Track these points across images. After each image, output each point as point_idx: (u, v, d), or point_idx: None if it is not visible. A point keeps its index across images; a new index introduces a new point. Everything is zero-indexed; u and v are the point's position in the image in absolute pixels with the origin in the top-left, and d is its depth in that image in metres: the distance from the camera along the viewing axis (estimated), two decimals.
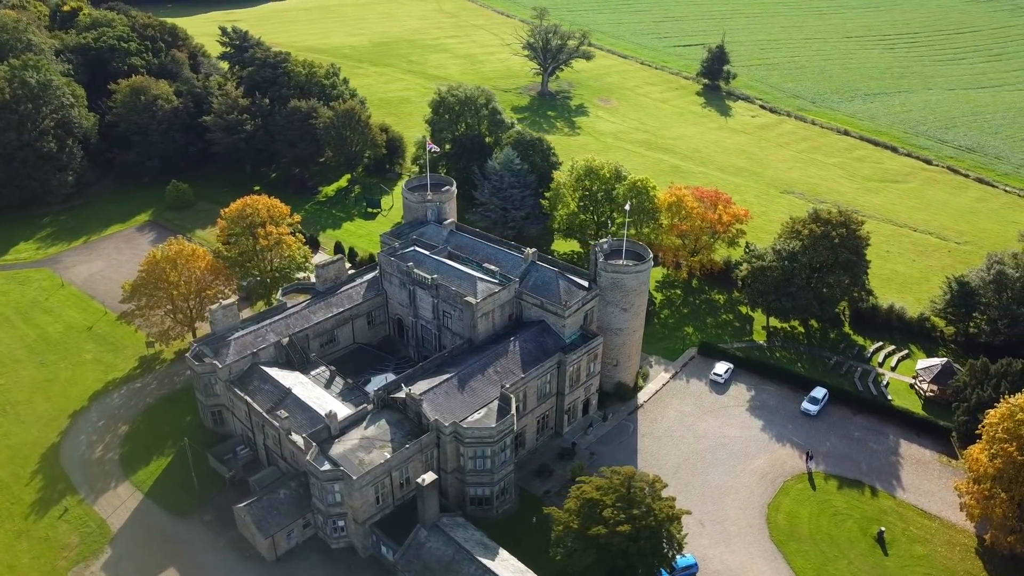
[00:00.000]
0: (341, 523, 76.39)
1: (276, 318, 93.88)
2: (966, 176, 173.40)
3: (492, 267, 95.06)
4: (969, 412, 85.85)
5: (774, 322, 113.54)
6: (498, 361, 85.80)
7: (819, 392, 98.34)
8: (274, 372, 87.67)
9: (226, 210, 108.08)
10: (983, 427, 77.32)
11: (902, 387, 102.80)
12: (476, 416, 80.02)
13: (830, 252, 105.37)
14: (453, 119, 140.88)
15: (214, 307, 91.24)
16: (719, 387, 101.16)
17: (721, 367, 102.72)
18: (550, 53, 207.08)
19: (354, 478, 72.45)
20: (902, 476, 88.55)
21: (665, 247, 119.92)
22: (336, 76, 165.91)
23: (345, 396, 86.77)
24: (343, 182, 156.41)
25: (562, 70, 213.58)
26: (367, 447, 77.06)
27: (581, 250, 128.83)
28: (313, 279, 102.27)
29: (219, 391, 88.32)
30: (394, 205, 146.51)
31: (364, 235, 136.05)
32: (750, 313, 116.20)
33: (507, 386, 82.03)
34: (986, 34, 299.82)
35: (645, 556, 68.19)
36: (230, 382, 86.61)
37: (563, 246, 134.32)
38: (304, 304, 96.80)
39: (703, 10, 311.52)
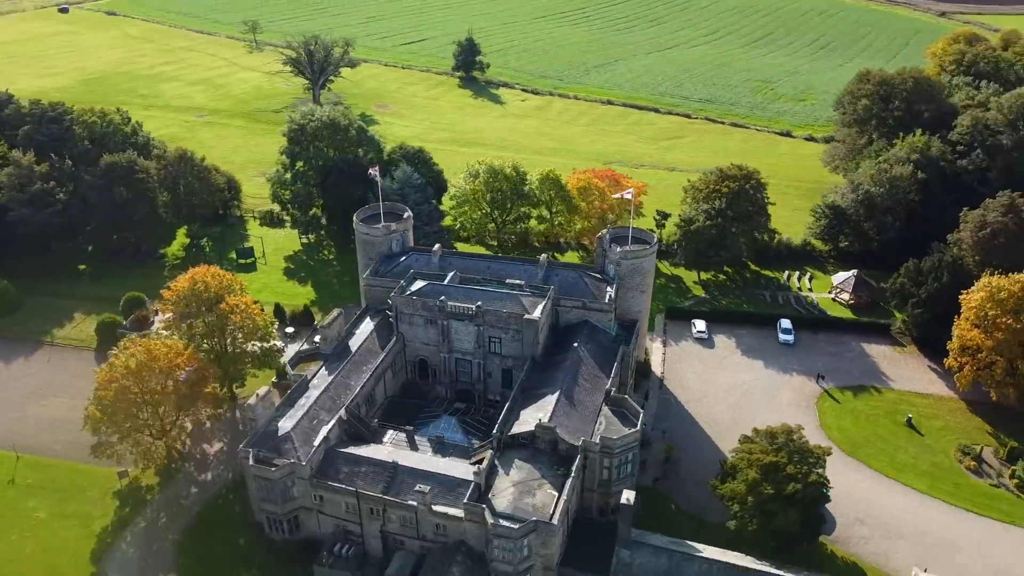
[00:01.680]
0: None
1: (313, 395, 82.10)
2: (722, 123, 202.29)
3: (515, 281, 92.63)
4: (923, 304, 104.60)
5: (703, 275, 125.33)
6: (580, 369, 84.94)
7: (786, 323, 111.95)
8: (359, 451, 77.34)
9: (170, 291, 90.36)
10: (965, 309, 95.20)
11: (824, 301, 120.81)
12: (601, 426, 79.14)
13: (747, 202, 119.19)
14: (320, 146, 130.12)
15: (251, 401, 77.67)
16: (707, 342, 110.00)
17: (700, 324, 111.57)
18: (317, 65, 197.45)
19: (554, 523, 68.25)
20: (884, 371, 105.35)
21: (587, 231, 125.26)
22: (133, 122, 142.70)
23: (442, 451, 79.79)
24: (183, 238, 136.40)
25: (332, 81, 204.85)
26: (527, 490, 72.43)
27: (490, 253, 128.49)
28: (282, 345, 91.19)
29: (298, 492, 75.50)
30: (264, 251, 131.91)
31: (264, 289, 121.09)
32: (675, 273, 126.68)
33: (612, 391, 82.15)
34: (641, 3, 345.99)
35: (815, 501, 74.33)
36: (315, 477, 74.68)
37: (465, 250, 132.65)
38: (331, 372, 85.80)
39: (405, 6, 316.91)
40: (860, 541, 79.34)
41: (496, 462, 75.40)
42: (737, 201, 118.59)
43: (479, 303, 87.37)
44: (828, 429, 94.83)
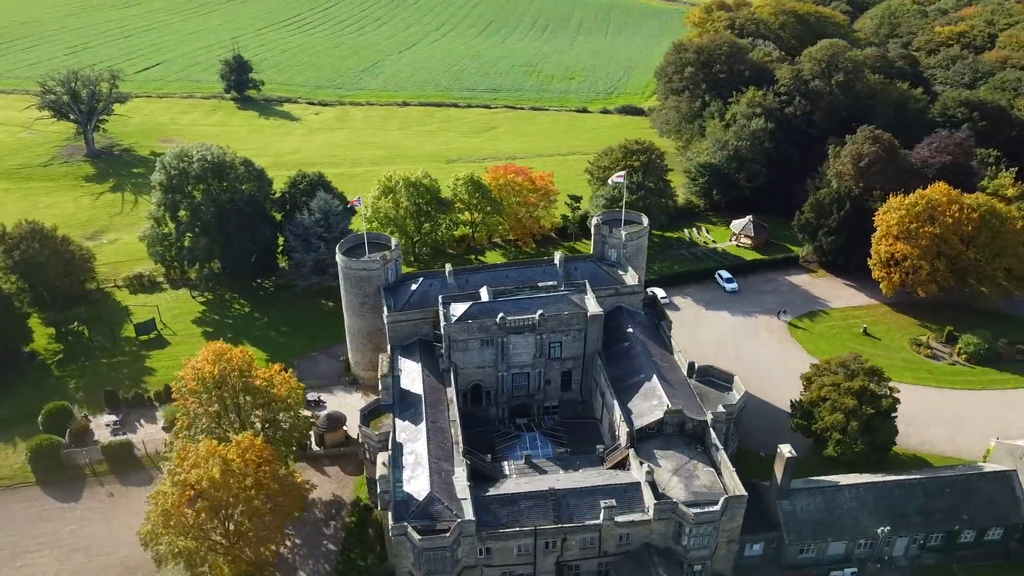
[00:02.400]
0: (700, 565, 72.48)
1: (417, 448, 74.47)
2: (522, 109, 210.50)
3: (548, 283, 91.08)
4: (835, 231, 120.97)
5: None
6: (650, 351, 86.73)
7: (726, 274, 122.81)
8: (503, 490, 72.17)
9: (186, 372, 75.47)
10: (883, 227, 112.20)
11: (730, 248, 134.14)
12: (705, 397, 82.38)
13: (656, 172, 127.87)
14: (207, 190, 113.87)
15: (382, 473, 68.41)
16: (670, 306, 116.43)
17: (660, 291, 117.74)
18: (82, 103, 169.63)
19: (745, 495, 70.31)
20: (818, 296, 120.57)
21: (518, 227, 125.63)
22: None
23: (572, 465, 77.39)
24: (43, 330, 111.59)
25: (105, 120, 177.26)
26: (689, 475, 73.26)
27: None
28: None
29: (463, 552, 68.56)
30: (162, 321, 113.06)
31: (176, 367, 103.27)
32: None
33: (696, 364, 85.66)
34: (355, 5, 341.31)
35: (892, 410, 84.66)
36: (482, 530, 68.53)
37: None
38: (412, 419, 78.26)
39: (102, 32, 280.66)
40: (906, 437, 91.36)
41: (639, 459, 75.15)
42: (648, 173, 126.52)
43: (540, 311, 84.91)
44: (815, 353, 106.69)
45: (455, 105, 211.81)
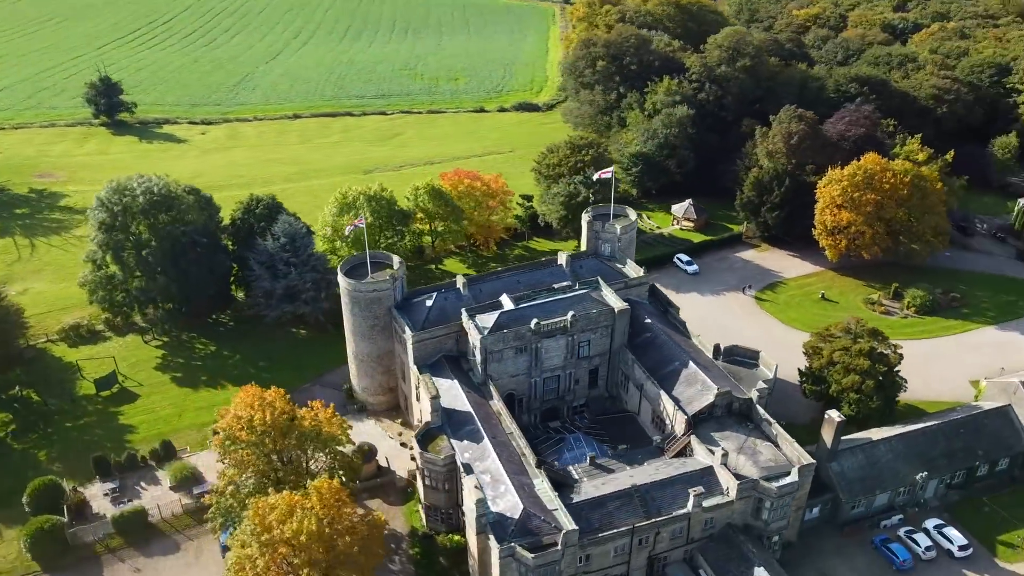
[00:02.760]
0: (779, 537, 75.71)
1: (490, 466, 72.73)
2: (420, 112, 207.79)
3: (563, 283, 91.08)
4: (778, 207, 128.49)
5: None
6: (673, 339, 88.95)
7: (685, 257, 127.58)
8: (588, 496, 71.79)
9: (229, 423, 69.45)
10: (826, 198, 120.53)
11: (675, 231, 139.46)
12: (738, 376, 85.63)
13: (605, 164, 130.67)
14: (154, 224, 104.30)
15: (480, 497, 66.20)
16: None
17: None
18: None
19: (814, 463, 73.97)
20: (771, 268, 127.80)
21: (481, 231, 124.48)
22: None
23: (635, 459, 78.09)
24: None
25: None
26: (751, 451, 76.12)
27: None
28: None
29: (567, 563, 67.59)
30: (115, 367, 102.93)
31: (181, 414, 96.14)
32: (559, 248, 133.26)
33: (721, 344, 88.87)
34: (196, 17, 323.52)
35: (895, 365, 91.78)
36: (582, 537, 67.97)
37: None
38: (472, 438, 76.21)
39: None
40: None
41: (697, 442, 77.26)
42: (599, 166, 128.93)
43: (571, 312, 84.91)
44: (789, 321, 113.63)
45: (350, 114, 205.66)
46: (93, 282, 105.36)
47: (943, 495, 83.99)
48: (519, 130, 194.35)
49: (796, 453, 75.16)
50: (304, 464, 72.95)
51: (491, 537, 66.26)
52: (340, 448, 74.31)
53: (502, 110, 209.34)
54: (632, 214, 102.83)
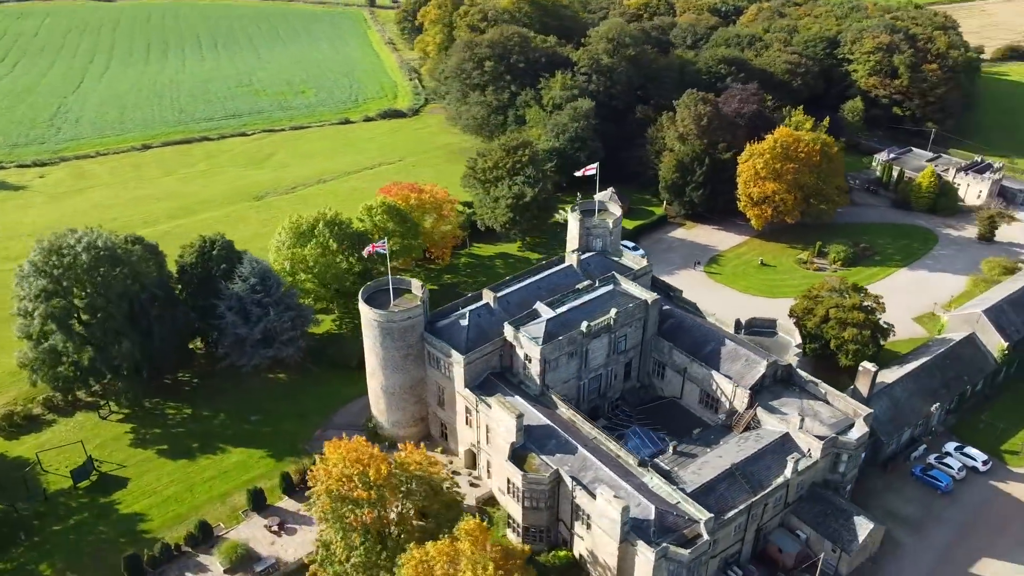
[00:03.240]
0: (850, 485, 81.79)
1: (599, 474, 72.29)
2: (283, 130, 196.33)
3: (583, 284, 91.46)
4: (702, 185, 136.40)
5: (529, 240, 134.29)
6: (697, 321, 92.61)
7: (629, 243, 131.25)
8: (699, 483, 73.39)
9: (332, 485, 63.54)
10: (748, 172, 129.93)
11: None
12: (764, 345, 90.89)
13: (539, 163, 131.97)
14: (103, 283, 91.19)
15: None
16: None
17: None
18: None
19: (872, 411, 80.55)
20: (706, 244, 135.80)
21: (439, 243, 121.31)
22: None
23: (712, 438, 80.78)
24: None
25: None
26: (812, 413, 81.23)
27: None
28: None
29: (700, 551, 68.83)
30: (95, 460, 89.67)
31: (178, 497, 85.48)
32: (504, 251, 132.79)
33: (741, 319, 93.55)
34: None
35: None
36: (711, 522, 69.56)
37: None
38: (566, 449, 75.18)
39: None
40: None
41: (769, 413, 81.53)
42: (535, 165, 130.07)
43: (613, 309, 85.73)
44: (744, 290, 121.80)
45: (206, 139, 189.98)
46: (36, 360, 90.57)
47: (944, 420, 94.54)
48: (397, 138, 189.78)
49: (851, 406, 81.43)
50: (412, 512, 68.18)
51: (639, 542, 66.02)
52: (446, 487, 70.23)
53: (368, 120, 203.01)
54: (617, 208, 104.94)
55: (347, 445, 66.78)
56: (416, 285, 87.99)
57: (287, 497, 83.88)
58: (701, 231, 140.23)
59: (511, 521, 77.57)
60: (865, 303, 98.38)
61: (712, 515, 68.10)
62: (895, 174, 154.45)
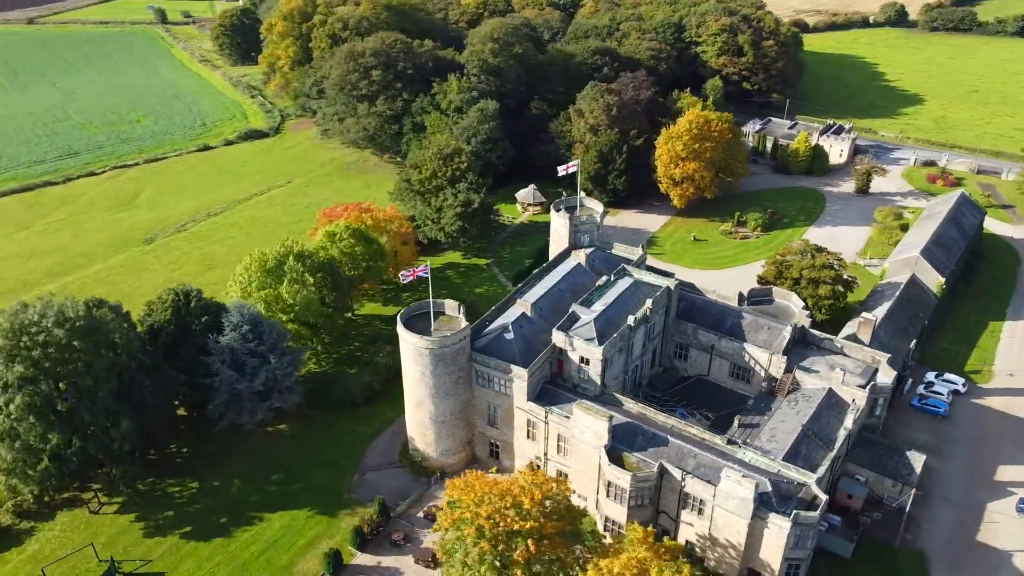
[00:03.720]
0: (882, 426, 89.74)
1: (699, 459, 74.14)
2: (137, 164, 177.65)
3: (602, 280, 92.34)
4: (624, 172, 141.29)
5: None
6: (706, 299, 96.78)
7: None
8: (775, 448, 77.34)
9: (480, 522, 60.61)
10: (666, 155, 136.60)
11: (529, 217, 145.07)
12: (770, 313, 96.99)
13: (474, 169, 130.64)
14: (83, 359, 79.01)
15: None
16: None
17: None
18: None
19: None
20: (637, 227, 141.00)
21: (403, 261, 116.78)
22: None
23: (763, 408, 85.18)
24: None
25: None
26: (841, 365, 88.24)
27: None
28: None
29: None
30: (95, 552, 77.87)
31: None
32: (455, 260, 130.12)
33: (743, 292, 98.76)
34: None
35: None
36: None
37: None
38: (656, 442, 76.21)
39: None
40: None
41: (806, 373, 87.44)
42: (472, 171, 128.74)
43: (649, 300, 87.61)
44: (692, 265, 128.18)
45: (50, 184, 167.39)
46: (15, 461, 76.75)
47: (912, 353, 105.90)
48: (270, 160, 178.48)
49: (868, 354, 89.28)
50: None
51: (770, 515, 68.70)
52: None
53: (229, 143, 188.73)
54: (598, 204, 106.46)
55: (470, 479, 63.43)
56: (451, 305, 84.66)
57: (360, 553, 77.72)
58: (627, 216, 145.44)
59: (609, 524, 77.20)
60: (831, 260, 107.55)
61: (822, 476, 72.22)
62: (768, 143, 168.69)
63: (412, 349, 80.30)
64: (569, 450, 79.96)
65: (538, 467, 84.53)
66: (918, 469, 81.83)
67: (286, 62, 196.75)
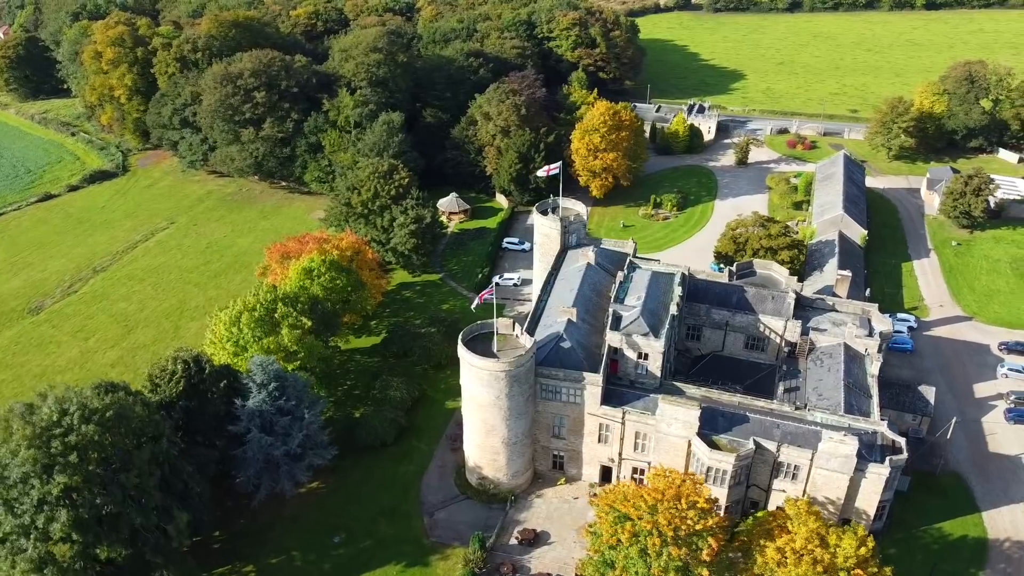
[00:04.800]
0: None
1: (784, 427, 78.38)
2: None
3: (620, 274, 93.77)
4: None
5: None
6: (707, 278, 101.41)
7: (513, 239, 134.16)
8: (828, 406, 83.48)
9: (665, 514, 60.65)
10: (582, 148, 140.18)
11: (457, 226, 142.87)
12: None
13: (410, 186, 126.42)
14: (126, 454, 67.98)
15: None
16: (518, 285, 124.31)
17: (509, 274, 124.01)
18: None
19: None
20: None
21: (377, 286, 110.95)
22: None
23: (797, 374, 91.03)
24: None
25: None
26: (842, 322, 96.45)
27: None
28: None
29: None
30: None
31: None
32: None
33: (739, 263, 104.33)
34: None
35: None
36: None
37: None
38: (741, 421, 79.45)
39: None
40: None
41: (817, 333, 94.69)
42: (409, 189, 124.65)
43: (678, 287, 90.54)
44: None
45: None
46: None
47: (868, 299, 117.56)
48: (135, 202, 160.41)
49: (858, 307, 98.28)
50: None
51: (869, 465, 74.25)
52: None
53: (74, 189, 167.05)
54: (580, 205, 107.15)
55: (618, 492, 63.11)
56: (505, 324, 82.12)
57: None
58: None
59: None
60: (784, 226, 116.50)
61: (886, 422, 78.97)
62: (647, 128, 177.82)
63: (486, 375, 77.09)
64: (650, 445, 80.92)
65: (610, 469, 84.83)
66: (932, 400, 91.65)
67: (123, 92, 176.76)
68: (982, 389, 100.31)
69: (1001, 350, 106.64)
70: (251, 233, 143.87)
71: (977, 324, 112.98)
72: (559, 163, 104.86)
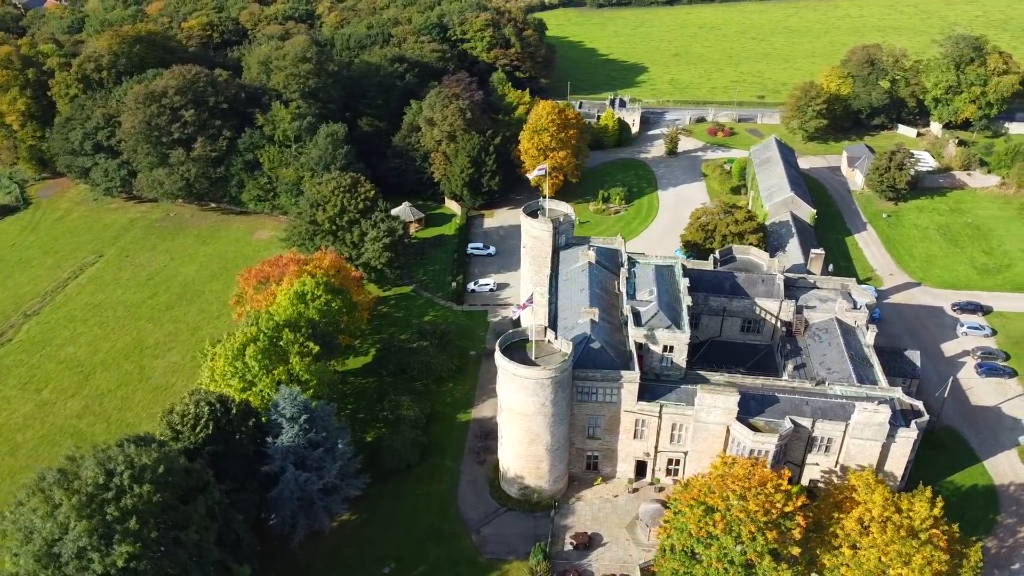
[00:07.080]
0: None
1: (815, 403, 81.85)
2: None
3: (624, 272, 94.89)
4: (496, 172, 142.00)
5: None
6: (698, 267, 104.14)
7: (478, 244, 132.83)
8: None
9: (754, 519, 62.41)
10: (530, 147, 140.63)
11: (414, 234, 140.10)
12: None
13: (374, 199, 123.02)
14: (178, 511, 62.77)
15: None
16: (494, 290, 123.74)
17: (484, 280, 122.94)
18: None
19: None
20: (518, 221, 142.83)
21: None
22: None
23: (804, 350, 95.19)
24: None
25: None
26: (832, 297, 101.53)
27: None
28: None
29: None
30: None
31: None
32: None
33: (722, 249, 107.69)
34: None
35: None
36: None
37: None
38: (771, 401, 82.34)
39: None
40: None
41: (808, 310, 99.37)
42: (375, 202, 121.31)
43: (685, 279, 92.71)
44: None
45: None
46: None
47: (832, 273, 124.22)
48: (48, 235, 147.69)
49: (838, 282, 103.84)
50: None
51: (898, 430, 78.74)
52: None
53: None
54: (566, 206, 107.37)
55: (698, 483, 64.44)
56: (537, 330, 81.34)
57: None
58: (504, 215, 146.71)
59: None
60: (746, 210, 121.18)
61: (899, 386, 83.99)
62: None
63: (531, 384, 76.21)
64: (686, 435, 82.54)
65: (644, 463, 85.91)
66: (919, 363, 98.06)
67: (14, 118, 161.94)
68: (949, 348, 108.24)
69: (955, 310, 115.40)
70: (194, 260, 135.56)
71: (927, 288, 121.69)
72: (544, 166, 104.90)
